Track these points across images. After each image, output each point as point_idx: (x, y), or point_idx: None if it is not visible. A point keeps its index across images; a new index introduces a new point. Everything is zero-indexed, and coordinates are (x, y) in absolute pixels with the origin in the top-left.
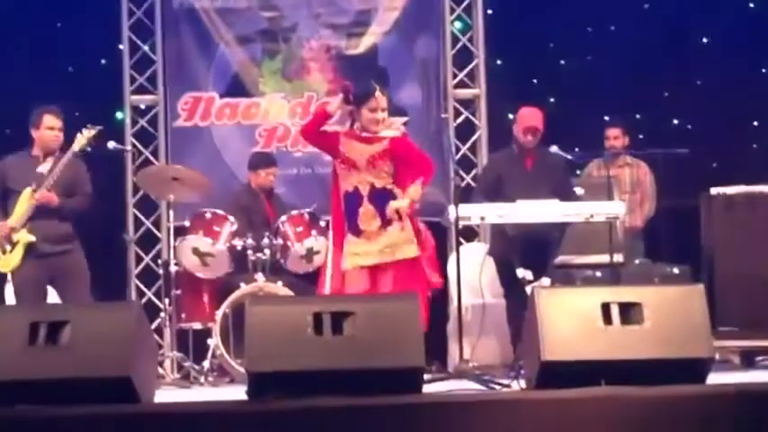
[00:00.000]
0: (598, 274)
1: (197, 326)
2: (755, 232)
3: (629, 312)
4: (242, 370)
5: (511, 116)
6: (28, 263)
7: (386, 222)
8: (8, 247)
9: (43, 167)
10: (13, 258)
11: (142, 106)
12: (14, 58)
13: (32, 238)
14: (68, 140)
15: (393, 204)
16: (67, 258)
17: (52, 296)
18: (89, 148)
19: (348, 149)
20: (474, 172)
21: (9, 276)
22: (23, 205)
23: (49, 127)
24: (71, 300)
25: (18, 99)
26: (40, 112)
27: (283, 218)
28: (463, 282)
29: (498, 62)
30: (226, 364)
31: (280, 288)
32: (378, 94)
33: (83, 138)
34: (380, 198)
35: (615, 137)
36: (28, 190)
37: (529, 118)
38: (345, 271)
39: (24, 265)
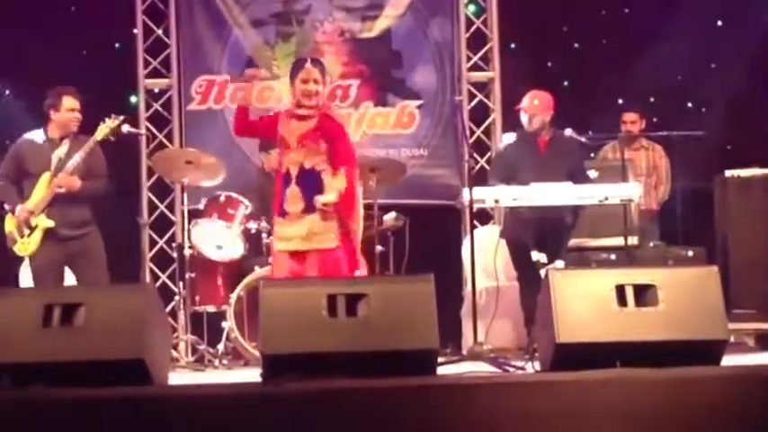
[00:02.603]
0: (613, 256)
1: (211, 309)
2: None
3: (644, 294)
4: (256, 353)
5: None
6: (46, 246)
7: (309, 208)
8: (26, 231)
9: (60, 151)
10: (32, 243)
11: (156, 90)
12: (29, 42)
13: (51, 224)
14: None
15: (320, 199)
16: (85, 241)
17: (69, 279)
18: (111, 138)
19: (284, 129)
20: (488, 155)
21: (27, 260)
22: (42, 190)
23: (69, 108)
24: (88, 282)
25: (32, 82)
26: (58, 93)
27: None
28: (477, 264)
29: (512, 45)
30: (240, 347)
31: None
32: (308, 65)
33: (106, 127)
34: (307, 180)
35: (632, 121)
36: (47, 175)
37: (524, 100)
38: (274, 253)
39: (42, 248)
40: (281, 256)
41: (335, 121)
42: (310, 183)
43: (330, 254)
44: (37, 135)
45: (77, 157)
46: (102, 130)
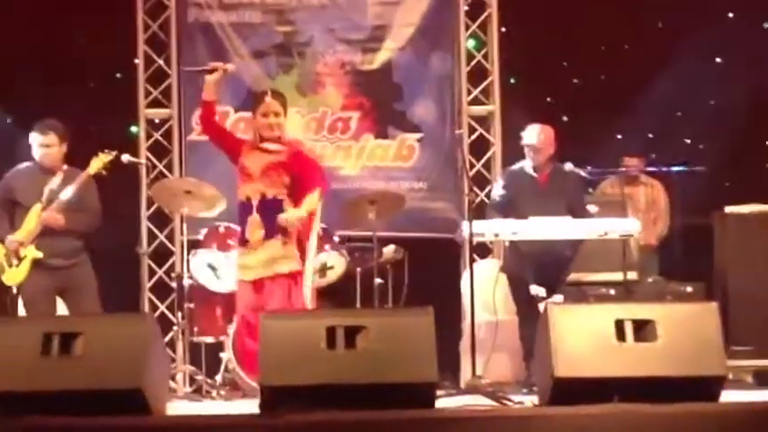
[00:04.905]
0: (611, 291)
1: (209, 339)
2: None
3: (643, 329)
4: (254, 384)
5: (523, 134)
6: (35, 274)
7: (269, 234)
8: (15, 262)
9: (53, 183)
10: (20, 273)
11: (156, 120)
12: (30, 72)
13: (40, 255)
14: (76, 152)
15: (289, 215)
16: (75, 270)
17: (61, 308)
18: (104, 172)
19: (247, 159)
20: (488, 188)
21: (15, 290)
22: (32, 221)
23: (38, 144)
24: (79, 312)
25: (34, 113)
26: (33, 129)
27: None
28: (476, 298)
29: (512, 80)
30: (238, 379)
31: None
32: (268, 99)
33: (98, 161)
34: (269, 209)
35: (634, 166)
36: (37, 206)
37: (526, 136)
38: (237, 282)
39: (32, 276)
40: (244, 287)
41: (308, 158)
42: (271, 211)
43: (289, 278)
44: (30, 166)
45: (69, 192)
46: (95, 164)
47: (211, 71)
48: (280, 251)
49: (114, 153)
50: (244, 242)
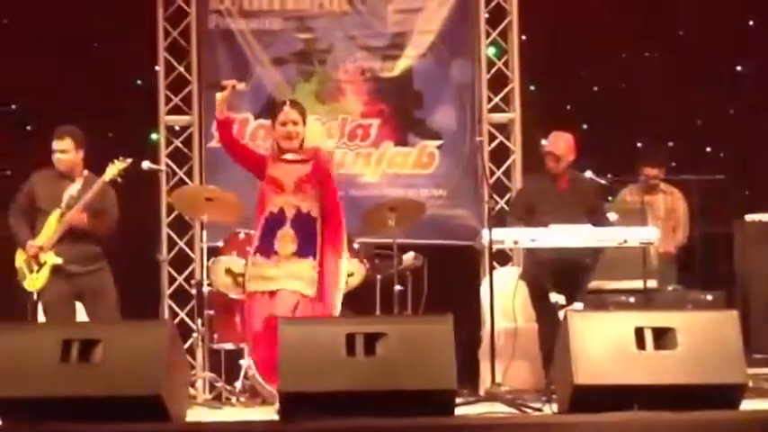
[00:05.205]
0: (631, 299)
1: (229, 346)
2: None
3: (663, 337)
4: (274, 391)
5: (544, 141)
6: (55, 280)
7: (302, 252)
8: (35, 267)
9: (72, 189)
10: (40, 278)
11: (177, 127)
12: (51, 78)
13: (59, 261)
14: (96, 159)
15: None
16: (94, 277)
17: (81, 315)
18: (119, 179)
19: (275, 170)
20: (508, 196)
21: (35, 295)
22: (52, 226)
23: (54, 149)
24: (98, 317)
25: (54, 119)
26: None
27: None
28: (496, 306)
29: (532, 87)
30: (258, 385)
31: None
32: (286, 107)
33: (114, 168)
34: (303, 224)
35: (654, 176)
36: (57, 212)
37: (548, 144)
38: (250, 294)
39: (51, 282)
40: (262, 299)
41: (325, 164)
42: (305, 227)
43: (307, 301)
44: (51, 171)
45: (88, 198)
46: (110, 171)
47: (223, 88)
48: (308, 273)
49: (129, 160)
50: (267, 252)
